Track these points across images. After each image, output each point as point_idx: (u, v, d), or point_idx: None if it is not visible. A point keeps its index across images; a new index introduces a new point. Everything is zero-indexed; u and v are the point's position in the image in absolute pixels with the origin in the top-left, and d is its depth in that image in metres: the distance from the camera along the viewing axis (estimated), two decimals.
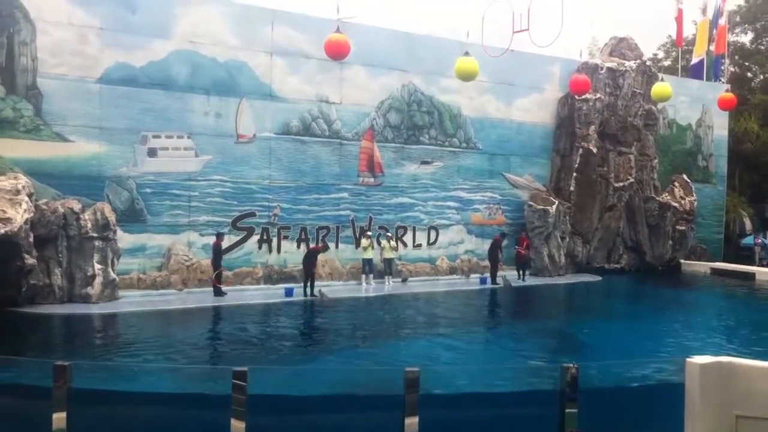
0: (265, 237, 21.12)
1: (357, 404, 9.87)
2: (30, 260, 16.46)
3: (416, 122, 23.94)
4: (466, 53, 18.13)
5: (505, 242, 24.61)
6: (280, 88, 21.31)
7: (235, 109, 20.61)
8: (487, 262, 24.49)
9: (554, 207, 25.41)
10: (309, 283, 20.17)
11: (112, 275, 18.16)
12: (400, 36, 23.51)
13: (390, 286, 22.41)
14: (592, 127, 26.69)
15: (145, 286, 19.28)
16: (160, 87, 19.55)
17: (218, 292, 19.31)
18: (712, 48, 32.70)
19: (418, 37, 23.98)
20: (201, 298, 19.08)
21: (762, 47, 43.84)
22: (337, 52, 17.70)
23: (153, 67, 19.50)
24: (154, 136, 19.54)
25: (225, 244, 20.18)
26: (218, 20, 20.37)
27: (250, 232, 20.86)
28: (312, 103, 21.89)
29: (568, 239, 26.27)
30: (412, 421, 9.23)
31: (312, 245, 21.41)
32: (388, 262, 22.64)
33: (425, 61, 23.73)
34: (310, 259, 20.47)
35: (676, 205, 28.64)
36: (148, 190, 19.42)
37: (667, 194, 28.92)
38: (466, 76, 18.86)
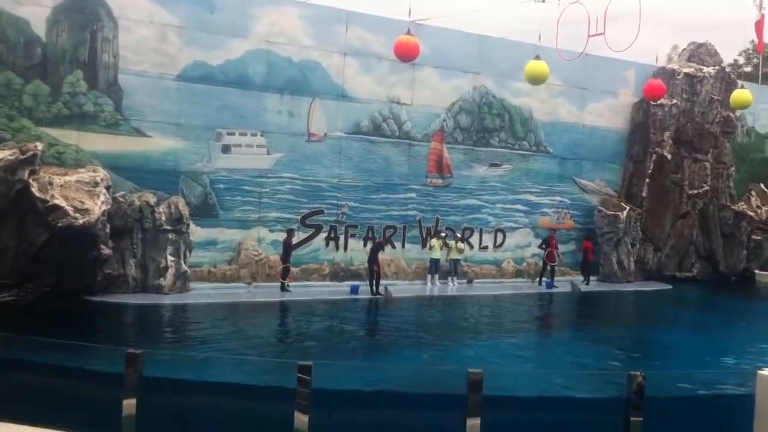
0: (332, 235, 21.42)
1: (419, 402, 10.02)
2: (106, 251, 17.12)
3: (486, 125, 23.92)
4: (537, 56, 18.06)
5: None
6: (351, 88, 21.58)
7: (307, 108, 20.94)
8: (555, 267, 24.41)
9: (625, 213, 25.05)
10: (375, 281, 20.40)
11: (184, 267, 18.69)
12: (472, 38, 23.50)
13: (455, 287, 22.49)
14: (667, 133, 26.20)
15: (216, 279, 19.78)
16: (235, 85, 20.01)
17: (283, 288, 19.71)
18: None
19: (491, 40, 23.91)
20: (269, 292, 19.52)
21: None
22: (406, 54, 17.87)
23: (229, 66, 19.96)
24: (228, 134, 20.02)
25: (294, 239, 20.56)
26: (294, 21, 20.74)
27: (318, 229, 21.19)
28: (383, 103, 22.09)
29: (638, 246, 25.85)
30: (474, 422, 9.32)
31: (378, 239, 21.62)
32: (455, 263, 22.71)
33: (497, 63, 23.68)
34: (374, 252, 20.70)
35: (752, 214, 27.91)
36: (221, 186, 19.92)
37: (743, 203, 28.20)
38: (536, 80, 18.81)
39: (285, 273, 19.92)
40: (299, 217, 20.93)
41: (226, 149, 19.95)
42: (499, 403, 10.28)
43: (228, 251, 20.11)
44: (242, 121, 20.15)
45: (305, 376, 8.56)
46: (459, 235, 23.11)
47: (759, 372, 10.90)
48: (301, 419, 8.26)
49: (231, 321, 16.85)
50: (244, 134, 20.23)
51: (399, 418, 9.96)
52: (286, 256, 19.98)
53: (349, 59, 21.51)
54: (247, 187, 20.22)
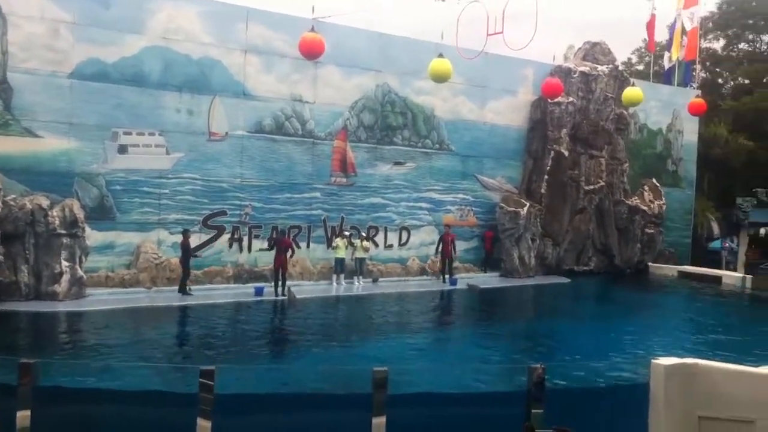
0: (235, 236, 21.07)
1: (324, 403, 9.92)
2: None
3: (390, 123, 24.00)
4: (440, 55, 18.20)
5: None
6: (253, 86, 21.25)
7: (207, 106, 20.52)
8: (459, 264, 24.75)
9: (525, 209, 25.59)
10: (281, 282, 20.18)
11: (80, 273, 18.06)
12: (374, 36, 23.54)
13: (360, 286, 22.47)
14: (564, 131, 26.90)
15: (114, 284, 19.16)
16: (132, 83, 19.41)
17: (183, 291, 19.26)
18: (683, 54, 32.99)
19: (393, 38, 24.00)
20: (170, 296, 19.03)
21: (733, 54, 44.45)
22: (311, 51, 17.72)
23: (125, 63, 19.36)
24: (125, 133, 19.41)
25: (195, 242, 20.15)
26: (192, 17, 20.26)
27: (220, 230, 20.81)
28: (285, 101, 21.85)
29: (538, 241, 26.45)
30: (379, 421, 9.30)
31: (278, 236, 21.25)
32: (360, 262, 22.69)
33: (400, 62, 23.79)
34: (278, 251, 20.46)
35: (645, 208, 28.97)
36: (118, 188, 19.30)
37: (636, 198, 29.23)
38: (440, 78, 18.94)
39: (185, 275, 19.46)
40: (201, 219, 20.49)
41: (122, 149, 19.35)
42: (405, 400, 10.32)
43: (126, 255, 19.51)
44: (139, 120, 19.57)
45: (207, 381, 8.36)
46: (364, 234, 23.11)
47: (653, 361, 11.29)
48: (203, 425, 8.06)
49: (130, 327, 16.34)
50: (142, 134, 19.65)
51: (305, 419, 9.85)
52: (185, 259, 19.51)
53: (250, 57, 21.18)
54: (145, 189, 19.65)
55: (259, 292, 19.94)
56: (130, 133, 19.47)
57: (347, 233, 22.54)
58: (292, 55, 20.63)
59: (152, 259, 19.63)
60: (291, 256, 20.85)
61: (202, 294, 19.49)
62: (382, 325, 18.50)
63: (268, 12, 21.55)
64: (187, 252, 19.51)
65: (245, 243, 21.23)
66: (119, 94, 19.25)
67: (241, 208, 21.13)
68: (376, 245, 23.67)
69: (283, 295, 20.03)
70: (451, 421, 9.99)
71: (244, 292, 20.22)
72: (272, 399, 10.03)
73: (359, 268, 22.67)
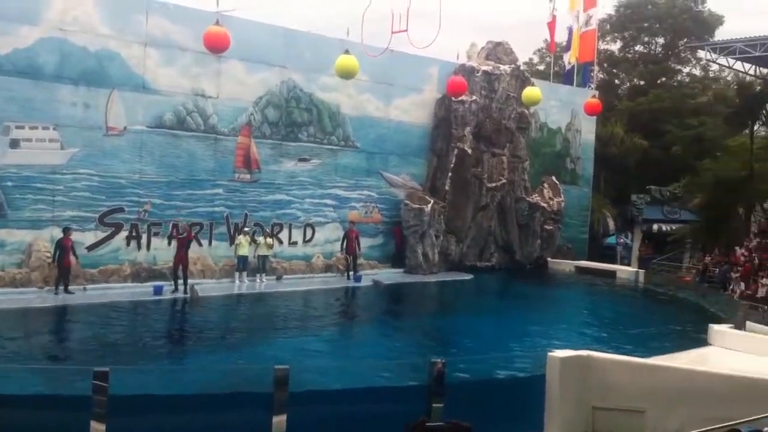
0: (134, 233, 20.46)
1: (225, 403, 9.81)
2: None
3: (295, 119, 23.82)
4: (347, 51, 18.20)
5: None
6: (153, 79, 20.67)
7: (105, 100, 19.84)
8: (364, 260, 24.87)
9: (429, 206, 25.85)
10: (182, 280, 19.79)
11: None
12: (279, 32, 23.31)
13: (264, 283, 22.23)
14: (468, 129, 27.30)
15: (4, 283, 18.30)
16: (25, 75, 18.53)
17: (66, 291, 18.59)
18: (582, 55, 33.97)
19: (298, 34, 23.81)
20: (64, 296, 18.37)
21: (629, 56, 46.08)
22: (216, 45, 17.51)
23: (18, 55, 18.46)
24: (17, 127, 18.55)
25: (91, 239, 19.55)
26: (89, 8, 19.54)
27: (118, 228, 20.16)
28: (187, 96, 21.36)
29: (442, 238, 26.76)
30: (280, 420, 9.25)
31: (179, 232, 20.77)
32: (263, 259, 22.43)
33: (305, 58, 23.64)
34: (179, 248, 20.06)
35: (544, 205, 29.70)
36: (9, 184, 18.42)
37: (536, 195, 29.93)
38: (346, 75, 18.96)
39: (64, 275, 18.69)
40: (97, 216, 19.82)
41: (14, 144, 18.52)
42: (307, 398, 10.30)
43: (17, 253, 18.66)
44: (33, 113, 18.74)
45: (101, 383, 8.15)
46: (267, 230, 22.87)
47: (550, 354, 11.63)
48: (97, 428, 7.86)
49: (20, 328, 15.74)
50: (35, 128, 18.84)
51: (204, 420, 9.71)
52: (61, 258, 18.60)
53: (150, 50, 20.61)
54: (38, 185, 18.84)
55: (158, 290, 19.47)
56: (22, 127, 18.63)
57: (248, 230, 22.23)
58: (194, 48, 20.28)
59: (45, 258, 18.84)
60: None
61: (98, 293, 18.87)
62: (285, 322, 18.43)
63: (169, 4, 21.07)
64: (65, 251, 18.67)
65: (144, 240, 20.64)
66: (12, 87, 18.38)
67: (139, 205, 20.55)
68: (280, 242, 23.47)
69: (185, 293, 19.64)
70: (353, 416, 10.03)
71: (143, 291, 19.65)
72: (171, 400, 9.86)
73: (262, 266, 22.42)
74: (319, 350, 15.23)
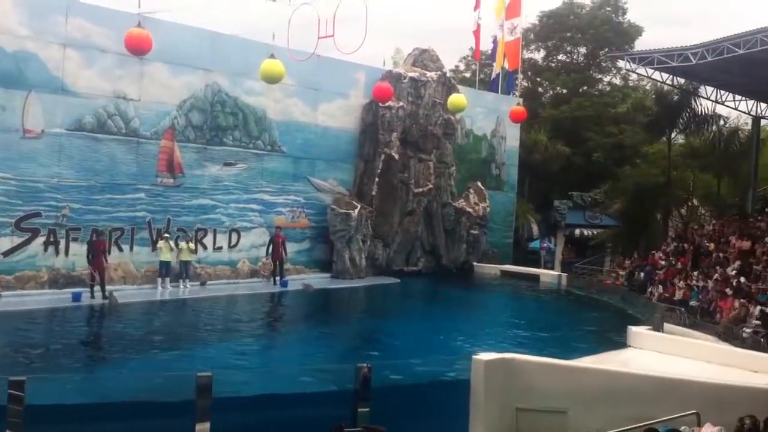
0: (51, 239, 19.82)
1: (147, 411, 9.57)
2: None
3: (220, 123, 23.48)
4: (272, 56, 18.05)
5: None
6: (73, 81, 20.08)
7: (22, 102, 19.18)
8: (291, 265, 24.68)
9: (356, 211, 25.84)
10: (100, 286, 19.28)
11: None
12: (204, 34, 22.95)
13: (187, 289, 21.80)
14: (395, 134, 27.40)
15: None
16: None
17: None
18: (506, 63, 34.53)
19: (224, 37, 23.50)
20: None
21: (552, 65, 47.04)
22: (137, 48, 17.16)
23: None
24: None
25: (7, 245, 18.87)
26: (7, 7, 18.88)
27: (35, 233, 19.48)
28: (108, 99, 20.81)
29: (369, 242, 26.78)
30: (203, 427, 9.10)
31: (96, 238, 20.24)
32: (185, 264, 21.99)
33: (230, 61, 23.33)
34: (94, 253, 19.51)
35: (470, 210, 30.03)
36: None
37: (462, 200, 30.24)
38: (272, 79, 18.81)
39: None
40: (13, 221, 19.12)
41: None
42: (231, 404, 10.15)
43: None
44: None
45: (17, 392, 7.91)
46: (189, 235, 22.44)
47: (474, 357, 11.75)
48: None
49: None
50: None
51: (125, 429, 9.46)
52: None
53: (69, 51, 20.04)
54: None
55: (77, 297, 18.88)
56: None
57: (168, 235, 21.76)
58: (116, 50, 19.85)
59: None
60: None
61: (14, 300, 18.22)
62: (209, 328, 18.13)
63: (90, 5, 20.55)
64: None
65: (62, 246, 20.01)
66: None
67: (57, 209, 19.92)
68: (204, 247, 23.06)
69: (104, 299, 19.13)
70: (279, 422, 9.92)
71: (61, 297, 19.07)
72: (90, 409, 9.59)
73: (185, 271, 21.98)
74: (244, 356, 15.02)
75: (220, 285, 22.96)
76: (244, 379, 12.04)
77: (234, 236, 23.95)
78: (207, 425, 9.15)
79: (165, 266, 21.44)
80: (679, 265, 26.56)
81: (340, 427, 3.43)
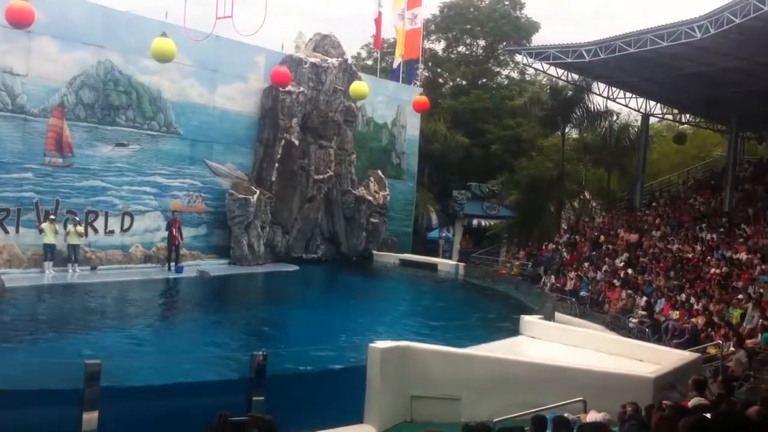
0: None
1: (32, 400, 9.14)
2: None
3: (112, 102, 22.61)
4: (164, 34, 17.49)
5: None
6: None
7: None
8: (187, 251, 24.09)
9: (255, 196, 25.43)
10: None
11: None
12: (96, 9, 21.98)
13: (76, 274, 20.95)
14: (295, 120, 27.09)
15: None
16: None
17: None
18: (406, 52, 34.58)
19: (117, 13, 22.58)
20: None
21: (452, 56, 47.50)
22: (18, 20, 16.31)
23: None
24: None
25: None
26: None
27: None
28: None
29: (268, 229, 26.42)
30: (91, 416, 8.72)
31: None
32: (74, 248, 21.09)
33: (124, 38, 22.46)
34: None
35: (370, 198, 30.06)
36: None
37: (362, 188, 30.23)
38: (163, 58, 18.27)
39: None
40: None
41: None
42: (120, 394, 9.78)
43: None
44: None
45: None
46: (77, 218, 21.51)
47: (371, 345, 11.74)
48: None
49: None
50: None
51: (10, 417, 8.96)
52: None
53: None
54: None
55: None
56: None
57: (52, 216, 20.80)
58: (1, 23, 18.75)
59: None
60: None
61: None
62: (99, 315, 17.51)
63: None
64: None
65: None
66: None
67: None
68: (95, 231, 22.20)
69: None
70: (171, 412, 9.62)
71: None
72: None
73: (74, 255, 21.10)
74: (136, 344, 14.53)
75: (111, 270, 22.21)
76: (135, 368, 11.64)
77: (127, 220, 23.16)
78: (95, 414, 8.80)
79: (50, 249, 20.56)
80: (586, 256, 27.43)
81: (225, 417, 3.29)
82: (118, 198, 22.87)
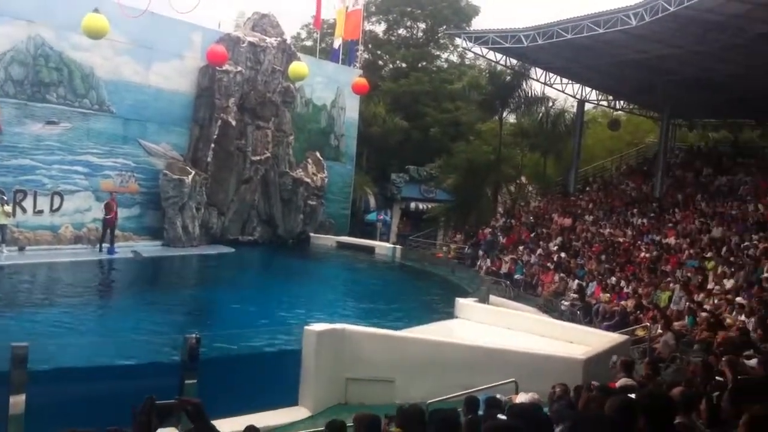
0: None
1: None
2: None
3: (42, 78, 21.95)
4: (96, 10, 17.02)
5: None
6: None
7: None
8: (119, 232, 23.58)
9: (190, 177, 25.02)
10: None
11: None
12: None
13: (3, 255, 20.34)
14: (232, 100, 26.70)
15: None
16: None
17: None
18: (346, 33, 34.40)
19: None
20: None
21: (393, 38, 47.47)
22: None
23: None
24: None
25: None
26: None
27: None
28: None
29: (203, 210, 26.05)
30: (18, 400, 8.55)
31: None
32: (1, 228, 20.48)
33: (55, 13, 21.74)
34: None
35: (308, 180, 29.89)
36: None
37: (300, 170, 30.02)
38: (94, 34, 17.75)
39: None
40: None
41: None
42: (49, 377, 9.58)
43: None
44: None
45: None
46: (5, 197, 20.85)
47: (306, 328, 11.76)
48: None
49: None
50: None
51: None
52: None
53: None
54: None
55: None
56: None
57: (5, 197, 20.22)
58: None
59: None
60: None
61: None
62: (27, 297, 17.04)
63: None
64: None
65: None
66: None
67: None
68: (24, 211, 21.57)
69: None
70: (101, 395, 9.46)
71: None
72: None
73: (1, 236, 20.48)
74: (65, 326, 14.20)
75: (40, 251, 21.60)
76: (64, 351, 11.39)
77: (57, 200, 22.54)
78: (22, 398, 8.63)
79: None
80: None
81: (151, 400, 3.24)
82: (47, 177, 22.24)
